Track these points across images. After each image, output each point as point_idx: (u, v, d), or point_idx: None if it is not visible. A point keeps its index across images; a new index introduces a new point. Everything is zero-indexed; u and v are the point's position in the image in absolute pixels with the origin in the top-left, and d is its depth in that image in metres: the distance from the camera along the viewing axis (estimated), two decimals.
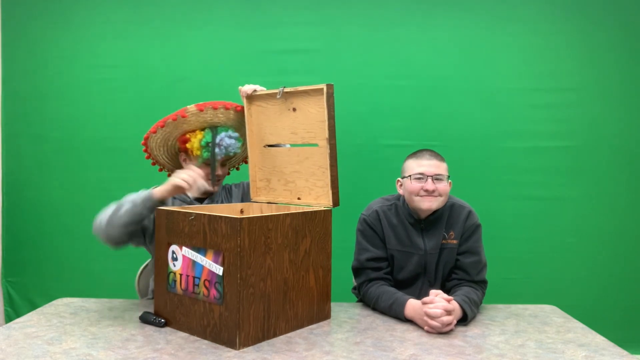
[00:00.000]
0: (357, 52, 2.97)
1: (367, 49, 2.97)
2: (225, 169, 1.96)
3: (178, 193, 1.72)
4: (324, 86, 1.60)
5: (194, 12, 3.00)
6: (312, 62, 2.96)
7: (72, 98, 3.03)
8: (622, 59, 2.95)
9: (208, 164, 1.87)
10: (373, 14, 2.97)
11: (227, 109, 1.84)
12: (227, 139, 1.84)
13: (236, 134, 1.88)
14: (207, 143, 1.84)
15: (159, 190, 1.67)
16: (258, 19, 2.99)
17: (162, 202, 1.68)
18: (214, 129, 1.86)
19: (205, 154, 1.85)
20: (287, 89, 1.71)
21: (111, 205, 1.72)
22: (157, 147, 1.93)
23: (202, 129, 1.86)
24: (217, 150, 1.84)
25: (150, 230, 1.79)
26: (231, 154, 1.88)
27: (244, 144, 1.93)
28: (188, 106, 1.82)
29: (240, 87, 1.84)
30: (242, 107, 1.87)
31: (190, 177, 1.66)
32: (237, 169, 2.15)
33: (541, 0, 2.95)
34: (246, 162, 2.12)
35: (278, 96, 1.73)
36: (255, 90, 1.81)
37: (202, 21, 3.00)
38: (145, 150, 1.95)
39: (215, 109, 1.82)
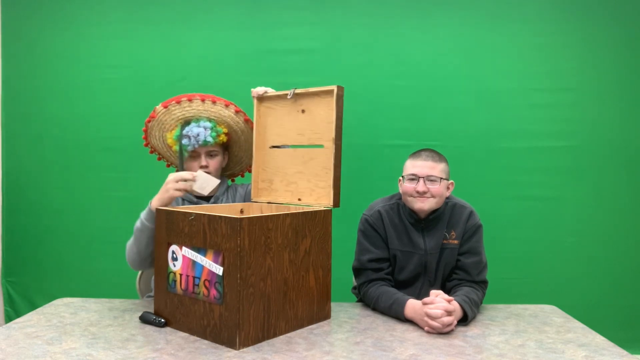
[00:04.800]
0: (357, 52, 2.97)
1: (367, 49, 2.97)
2: (215, 162, 1.91)
3: (173, 200, 1.69)
4: (334, 88, 1.62)
5: (194, 12, 3.00)
6: (312, 62, 2.96)
7: (72, 98, 3.03)
8: (622, 59, 2.95)
9: (195, 157, 1.88)
10: (373, 14, 2.97)
11: (190, 100, 1.83)
12: (195, 129, 1.82)
13: (208, 124, 1.84)
14: (178, 136, 1.85)
15: (155, 202, 1.67)
16: (258, 19, 2.98)
17: None
18: (187, 122, 1.86)
19: (177, 148, 1.86)
20: (298, 90, 1.72)
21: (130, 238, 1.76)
22: (162, 150, 1.96)
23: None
24: (184, 141, 1.83)
25: None
26: (201, 143, 1.83)
27: (229, 133, 1.90)
28: (156, 106, 1.85)
29: (252, 88, 1.85)
30: (218, 100, 1.85)
31: (181, 179, 1.65)
32: (242, 175, 2.14)
33: (541, 0, 2.95)
34: (242, 176, 2.13)
35: (289, 97, 1.74)
36: (266, 92, 1.82)
37: (202, 21, 3.00)
38: (152, 152, 1.99)
39: (178, 102, 1.82)
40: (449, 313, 1.50)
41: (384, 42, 2.97)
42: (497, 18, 2.95)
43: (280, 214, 1.46)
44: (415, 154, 1.82)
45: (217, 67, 2.98)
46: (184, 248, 1.49)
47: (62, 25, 3.03)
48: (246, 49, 2.98)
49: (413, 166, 1.78)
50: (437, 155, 1.80)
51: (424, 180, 1.74)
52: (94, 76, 3.02)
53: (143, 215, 1.70)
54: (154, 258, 1.72)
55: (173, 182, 1.64)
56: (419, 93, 2.96)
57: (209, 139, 1.84)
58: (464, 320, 1.59)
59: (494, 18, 2.95)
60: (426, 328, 1.52)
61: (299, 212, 1.53)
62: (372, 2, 2.97)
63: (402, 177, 1.80)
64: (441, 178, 1.76)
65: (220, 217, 1.38)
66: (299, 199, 1.77)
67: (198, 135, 1.82)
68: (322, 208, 1.63)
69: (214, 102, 1.85)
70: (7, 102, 3.07)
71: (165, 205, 1.65)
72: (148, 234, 1.69)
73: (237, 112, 1.88)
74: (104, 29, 3.02)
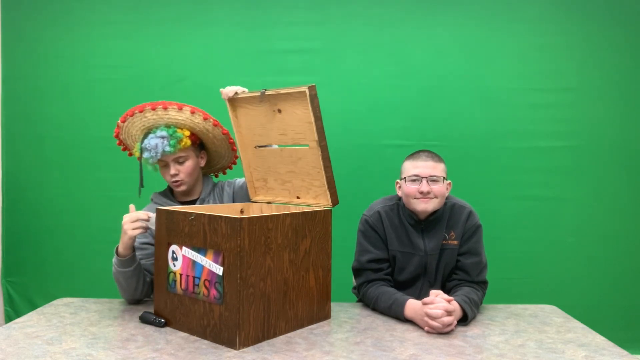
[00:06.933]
0: (357, 51, 2.97)
1: (367, 48, 2.97)
2: (187, 167, 1.85)
3: (134, 239, 1.68)
4: (305, 88, 1.52)
5: (194, 12, 3.00)
6: (312, 62, 2.96)
7: (72, 98, 3.03)
8: (622, 59, 2.95)
9: (165, 166, 1.85)
10: (373, 13, 2.97)
11: (141, 111, 1.77)
12: (152, 140, 1.77)
13: (165, 132, 1.77)
14: (140, 149, 1.81)
15: (121, 247, 1.68)
16: (258, 19, 2.99)
17: (133, 249, 1.69)
18: (147, 133, 1.81)
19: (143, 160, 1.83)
20: (268, 92, 1.63)
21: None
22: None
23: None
24: (145, 155, 1.79)
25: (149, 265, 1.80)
26: (160, 154, 1.78)
27: (194, 134, 1.84)
28: (118, 121, 1.83)
29: (221, 89, 1.76)
30: (170, 104, 1.77)
31: (137, 220, 1.64)
32: (224, 173, 2.11)
33: (541, 0, 2.95)
34: (230, 168, 2.10)
35: (260, 99, 1.66)
36: (236, 93, 1.73)
37: (202, 21, 3.00)
38: (137, 159, 1.95)
39: (141, 112, 1.77)
40: (449, 313, 1.50)
41: (384, 42, 2.97)
42: (498, 18, 2.96)
43: (280, 214, 1.46)
44: (414, 155, 1.82)
45: (217, 67, 2.98)
46: (184, 248, 1.49)
47: (62, 26, 3.03)
48: (246, 49, 2.98)
49: (414, 167, 1.77)
50: (436, 155, 1.80)
51: (426, 181, 1.74)
52: (93, 76, 3.02)
53: (114, 262, 1.71)
54: (143, 290, 1.76)
55: (129, 223, 1.64)
56: (419, 93, 2.96)
57: (168, 148, 1.76)
58: (464, 320, 1.59)
59: (494, 18, 2.96)
60: (426, 328, 1.52)
61: (299, 212, 1.53)
62: (372, 1, 2.97)
63: (403, 179, 1.80)
64: (443, 178, 1.76)
65: (220, 217, 1.39)
66: (298, 197, 1.76)
67: (156, 146, 1.76)
68: (322, 208, 1.63)
69: (165, 109, 1.76)
70: (7, 102, 3.07)
71: (128, 247, 1.67)
72: (125, 276, 1.71)
73: (192, 112, 1.78)
74: (104, 29, 3.02)
